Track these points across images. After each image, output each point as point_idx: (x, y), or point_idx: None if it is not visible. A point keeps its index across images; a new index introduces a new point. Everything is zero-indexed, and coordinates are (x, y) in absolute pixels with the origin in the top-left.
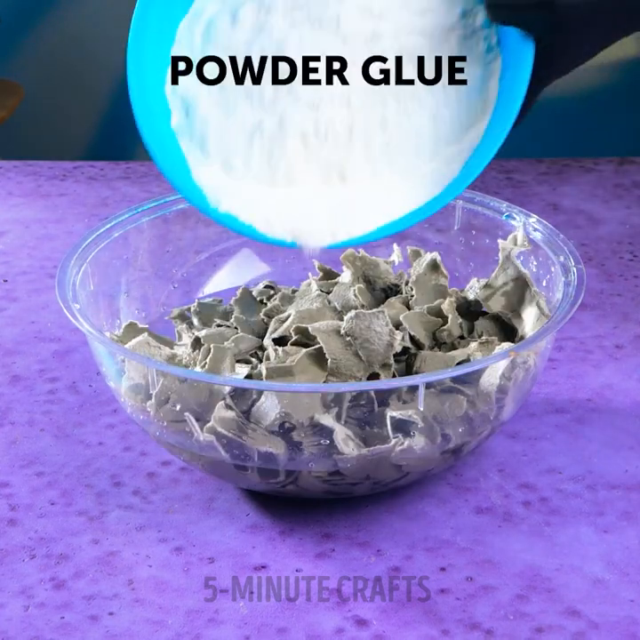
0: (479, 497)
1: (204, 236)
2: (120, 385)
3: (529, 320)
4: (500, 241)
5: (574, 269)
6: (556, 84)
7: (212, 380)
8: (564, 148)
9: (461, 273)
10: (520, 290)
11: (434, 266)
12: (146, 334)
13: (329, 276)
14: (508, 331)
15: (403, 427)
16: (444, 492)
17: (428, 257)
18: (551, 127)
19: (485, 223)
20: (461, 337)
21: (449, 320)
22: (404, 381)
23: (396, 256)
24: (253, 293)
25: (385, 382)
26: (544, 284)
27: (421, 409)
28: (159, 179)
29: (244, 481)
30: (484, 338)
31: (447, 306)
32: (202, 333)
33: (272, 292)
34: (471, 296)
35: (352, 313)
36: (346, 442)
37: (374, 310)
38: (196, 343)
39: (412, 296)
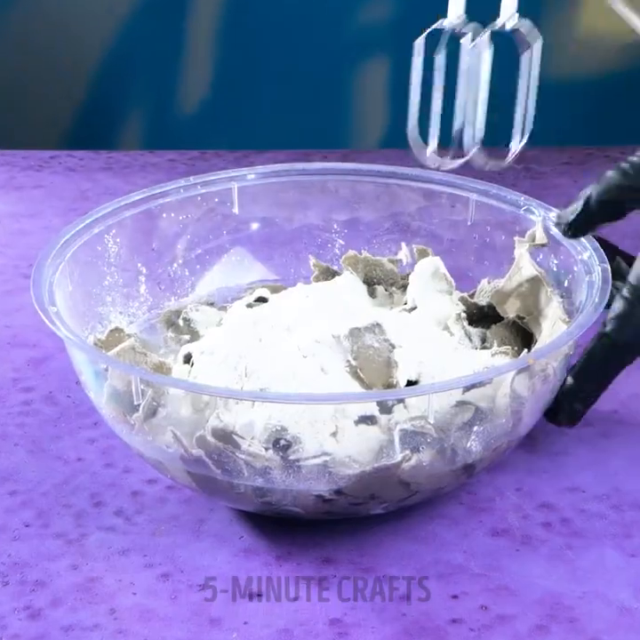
0: (495, 518)
1: (194, 233)
2: (101, 395)
3: (547, 324)
4: (516, 238)
5: (598, 268)
6: (577, 66)
7: (204, 390)
8: (587, 135)
9: (475, 272)
10: (536, 291)
11: (435, 273)
12: (132, 340)
13: (326, 274)
14: (525, 337)
15: (411, 441)
16: (457, 512)
17: (428, 263)
18: (573, 113)
19: (501, 218)
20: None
21: (457, 337)
22: (412, 391)
23: (403, 254)
24: (245, 304)
25: (391, 393)
26: (566, 284)
27: (431, 421)
28: (144, 170)
29: (236, 500)
30: (495, 348)
31: (453, 321)
32: (192, 347)
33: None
34: (483, 301)
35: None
36: (345, 461)
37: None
38: (188, 359)
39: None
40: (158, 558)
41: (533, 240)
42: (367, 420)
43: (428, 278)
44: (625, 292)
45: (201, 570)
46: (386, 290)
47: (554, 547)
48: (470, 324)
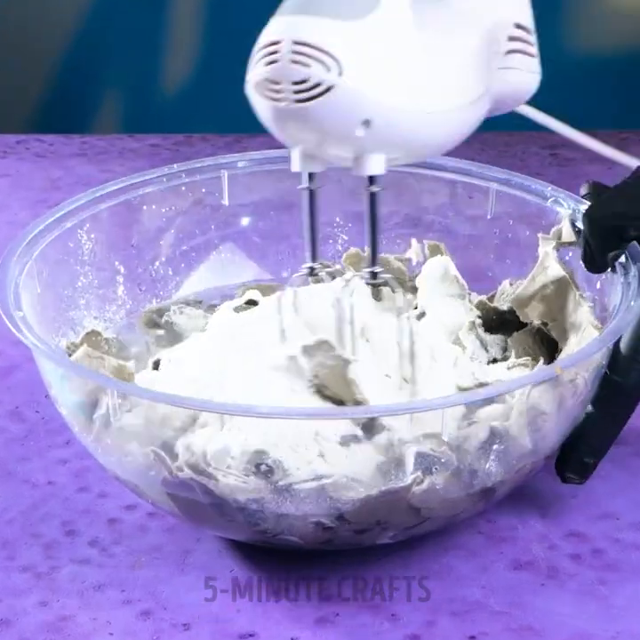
0: (517, 549)
1: (179, 227)
2: (73, 410)
3: (575, 331)
4: (540, 235)
5: (635, 268)
6: (609, 41)
7: (176, 401)
8: (621, 117)
9: (495, 272)
10: (563, 294)
11: (445, 275)
12: (85, 347)
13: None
14: (551, 345)
15: (423, 462)
16: (475, 542)
17: (436, 264)
18: (605, 93)
19: (525, 211)
20: (494, 360)
21: (469, 349)
22: (423, 405)
23: (413, 252)
24: (233, 307)
25: (397, 406)
26: (598, 286)
27: (445, 439)
28: (122, 156)
29: (226, 529)
30: (513, 360)
31: (466, 331)
32: (163, 354)
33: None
34: (504, 306)
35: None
36: (348, 484)
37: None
38: (156, 366)
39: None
40: (138, 594)
41: (559, 237)
42: (353, 439)
43: (437, 281)
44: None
45: (186, 607)
46: (393, 291)
47: (584, 581)
48: (489, 330)
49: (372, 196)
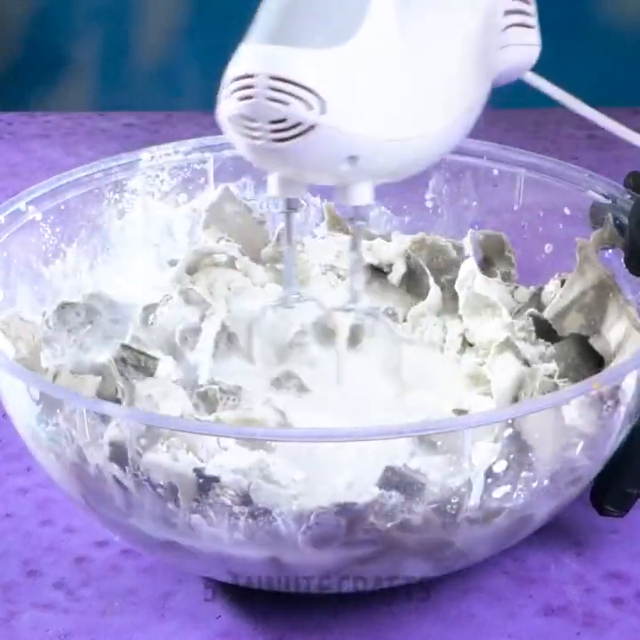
0: (549, 592)
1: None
2: (35, 430)
3: (616, 340)
4: (577, 239)
5: None
6: None
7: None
8: None
9: (521, 274)
10: (603, 300)
11: (471, 288)
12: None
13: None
14: (596, 355)
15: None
16: (499, 584)
17: (464, 274)
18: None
19: (559, 201)
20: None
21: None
22: (434, 427)
23: (466, 242)
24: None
25: (397, 427)
26: None
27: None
28: (91, 137)
29: (207, 565)
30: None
31: (494, 355)
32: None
33: None
34: (549, 312)
35: None
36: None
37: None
38: None
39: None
40: None
41: (603, 239)
42: None
43: (466, 293)
44: None
45: None
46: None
47: (626, 629)
48: (541, 333)
49: (357, 231)
